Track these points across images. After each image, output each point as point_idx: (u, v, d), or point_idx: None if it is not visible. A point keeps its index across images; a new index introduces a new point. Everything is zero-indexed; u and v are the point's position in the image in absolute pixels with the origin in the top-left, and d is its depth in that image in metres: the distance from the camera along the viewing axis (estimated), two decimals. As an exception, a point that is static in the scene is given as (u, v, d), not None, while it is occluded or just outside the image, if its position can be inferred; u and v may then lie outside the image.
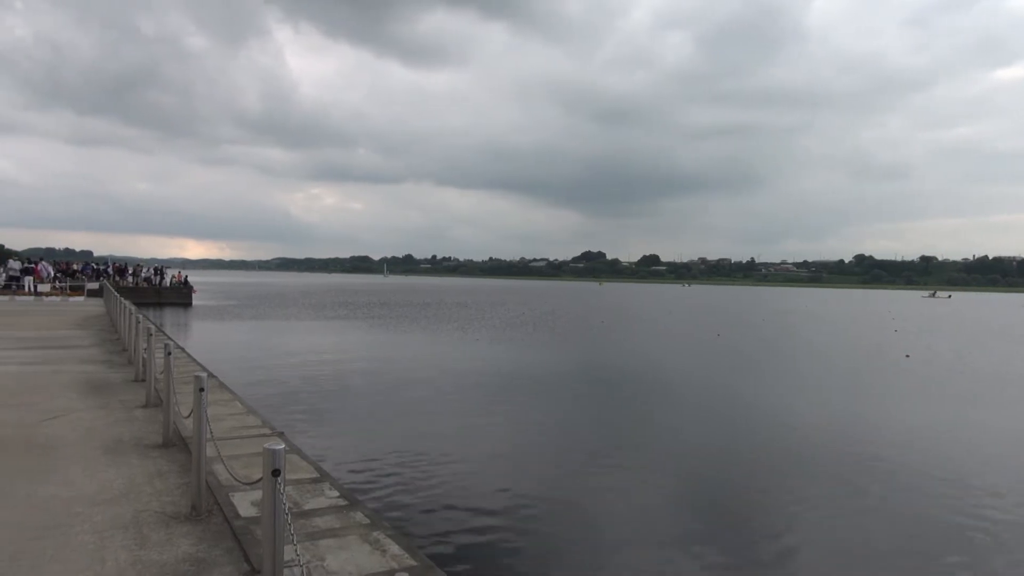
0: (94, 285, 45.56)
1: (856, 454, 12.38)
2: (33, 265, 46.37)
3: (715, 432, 14.14)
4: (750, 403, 17.55)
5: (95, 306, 33.55)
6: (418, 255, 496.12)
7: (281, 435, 8.56)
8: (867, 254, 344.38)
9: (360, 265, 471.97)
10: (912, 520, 9.15)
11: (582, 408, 16.38)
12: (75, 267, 53.52)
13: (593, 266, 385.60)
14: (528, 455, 11.90)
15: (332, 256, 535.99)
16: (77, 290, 43.98)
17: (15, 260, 49.06)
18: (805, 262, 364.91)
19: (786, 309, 77.71)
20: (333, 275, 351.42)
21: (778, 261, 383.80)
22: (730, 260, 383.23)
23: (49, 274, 46.08)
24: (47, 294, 41.40)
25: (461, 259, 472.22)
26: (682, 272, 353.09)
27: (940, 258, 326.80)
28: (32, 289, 41.78)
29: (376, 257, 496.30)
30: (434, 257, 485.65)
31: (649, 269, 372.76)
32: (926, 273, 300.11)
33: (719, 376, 22.39)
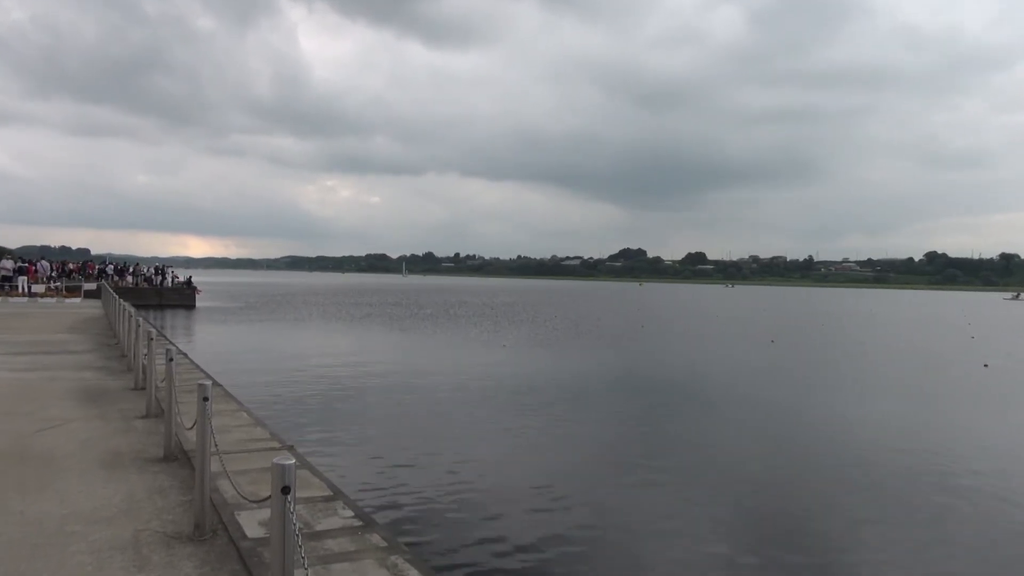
0: (91, 286, 46.43)
1: (927, 475, 12.14)
2: (28, 264, 47.37)
3: (770, 448, 13.97)
4: (808, 417, 17.32)
5: (92, 308, 34.18)
6: (440, 253, 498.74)
7: (291, 449, 8.63)
8: (939, 251, 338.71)
9: (377, 264, 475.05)
10: (988, 549, 8.95)
11: (620, 422, 16.29)
12: (71, 266, 54.59)
13: (632, 265, 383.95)
14: (561, 473, 11.86)
15: (346, 254, 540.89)
16: (74, 291, 44.84)
17: (8, 259, 50.15)
18: (869, 260, 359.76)
19: (847, 312, 76.64)
20: (347, 275, 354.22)
21: (839, 259, 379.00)
22: (785, 258, 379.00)
23: (47, 274, 47.07)
24: (42, 295, 42.27)
25: (487, 257, 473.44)
26: (731, 272, 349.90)
27: (1023, 256, 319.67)
28: (26, 290, 42.68)
29: (394, 255, 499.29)
30: (457, 255, 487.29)
31: (695, 268, 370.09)
32: (1007, 273, 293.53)
33: (774, 386, 22.13)
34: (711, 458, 13.22)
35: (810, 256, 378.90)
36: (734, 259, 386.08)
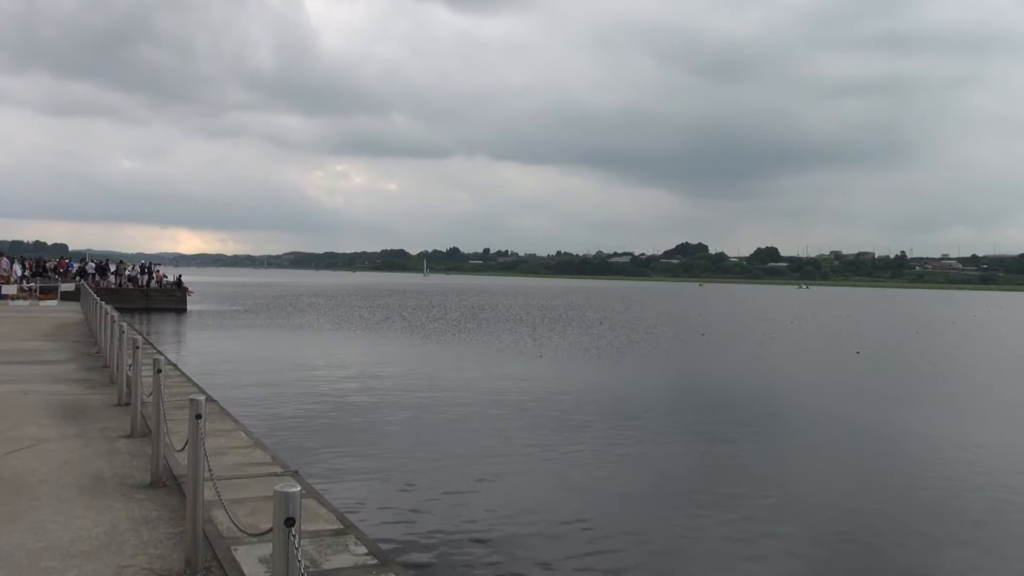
0: (69, 286, 47.23)
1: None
2: (-4, 261, 48.28)
3: (855, 479, 13.83)
4: (900, 442, 17.12)
5: (71, 312, 34.79)
6: (466, 248, 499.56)
7: (296, 475, 8.69)
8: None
9: (394, 261, 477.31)
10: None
11: (678, 447, 16.20)
12: (48, 264, 55.60)
13: (692, 262, 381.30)
14: (607, 508, 11.82)
15: (359, 250, 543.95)
16: (49, 292, 45.67)
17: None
18: (974, 256, 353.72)
19: (947, 318, 75.41)
20: (360, 273, 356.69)
21: (937, 256, 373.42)
22: (873, 254, 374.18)
23: (16, 273, 47.96)
24: (13, 297, 43.09)
25: (521, 253, 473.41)
26: (809, 270, 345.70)
27: None
28: (-4, 291, 43.51)
29: (414, 251, 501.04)
30: (487, 251, 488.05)
31: (765, 267, 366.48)
32: None
33: (859, 405, 21.84)
34: (787, 491, 13.08)
35: (903, 252, 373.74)
36: (812, 255, 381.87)
